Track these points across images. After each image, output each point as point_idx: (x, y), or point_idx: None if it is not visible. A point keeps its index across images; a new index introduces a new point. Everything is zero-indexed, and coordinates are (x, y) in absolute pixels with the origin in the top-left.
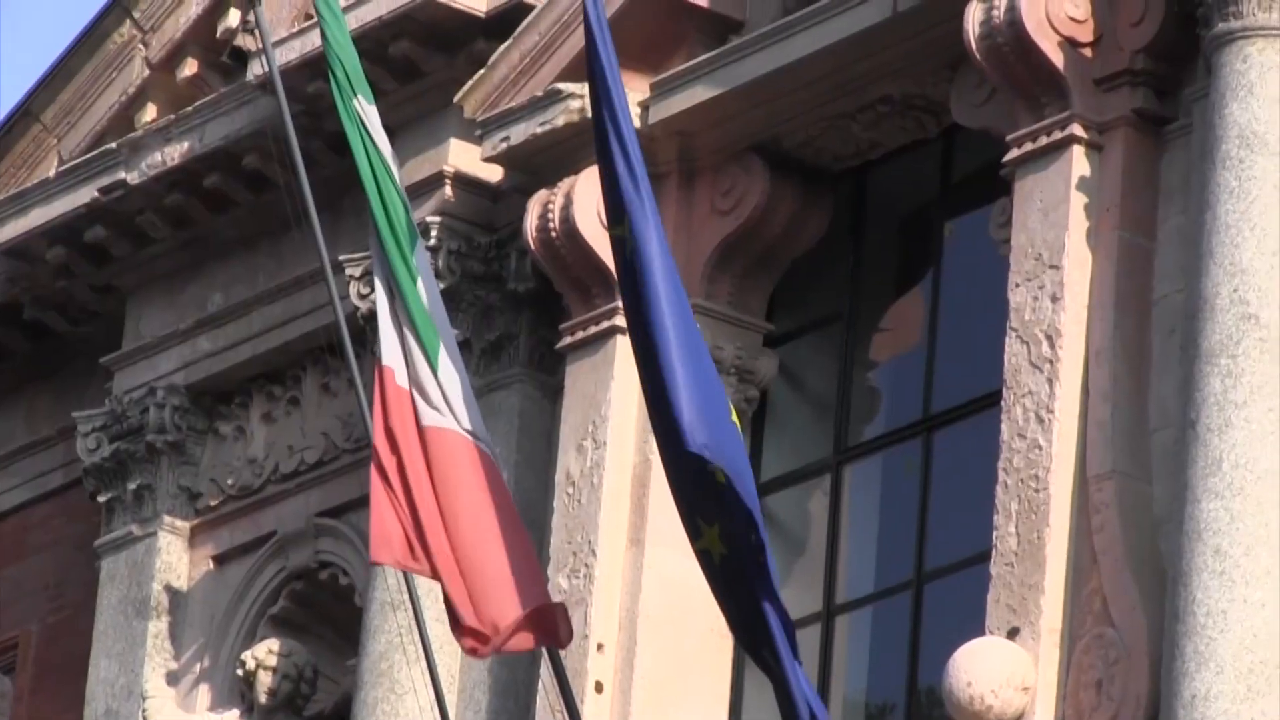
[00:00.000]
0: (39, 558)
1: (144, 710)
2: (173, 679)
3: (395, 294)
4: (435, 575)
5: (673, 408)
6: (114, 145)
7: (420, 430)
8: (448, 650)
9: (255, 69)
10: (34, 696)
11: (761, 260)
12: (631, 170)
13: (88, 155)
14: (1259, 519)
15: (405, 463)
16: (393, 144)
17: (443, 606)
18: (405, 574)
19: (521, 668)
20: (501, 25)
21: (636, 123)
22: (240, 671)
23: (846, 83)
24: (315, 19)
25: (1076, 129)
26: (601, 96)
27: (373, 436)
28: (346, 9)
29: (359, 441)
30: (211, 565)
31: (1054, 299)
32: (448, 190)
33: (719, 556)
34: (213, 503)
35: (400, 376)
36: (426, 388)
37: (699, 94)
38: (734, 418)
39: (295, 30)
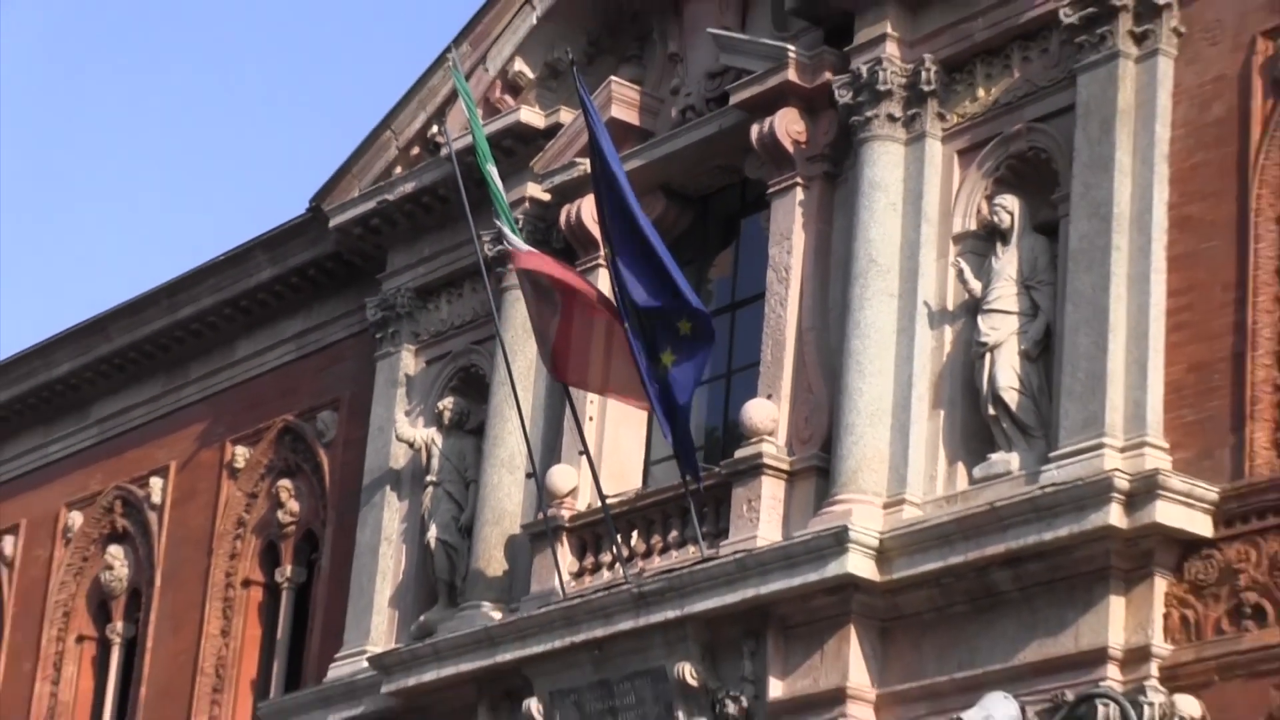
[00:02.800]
0: (347, 363)
1: (395, 427)
2: (407, 414)
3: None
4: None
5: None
6: (381, 184)
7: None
8: (525, 402)
9: (443, 151)
10: (347, 423)
11: (660, 231)
12: (624, 191)
13: (371, 188)
14: (875, 350)
15: (557, 278)
16: (503, 183)
17: (525, 379)
18: (507, 365)
19: (558, 408)
20: (550, 132)
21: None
22: (435, 411)
23: (700, 159)
24: (469, 130)
25: (798, 179)
26: (604, 162)
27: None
28: (485, 125)
29: (487, 315)
30: (424, 365)
31: (788, 253)
32: (527, 204)
33: (664, 370)
34: (424, 338)
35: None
36: None
37: (632, 164)
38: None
39: (461, 134)
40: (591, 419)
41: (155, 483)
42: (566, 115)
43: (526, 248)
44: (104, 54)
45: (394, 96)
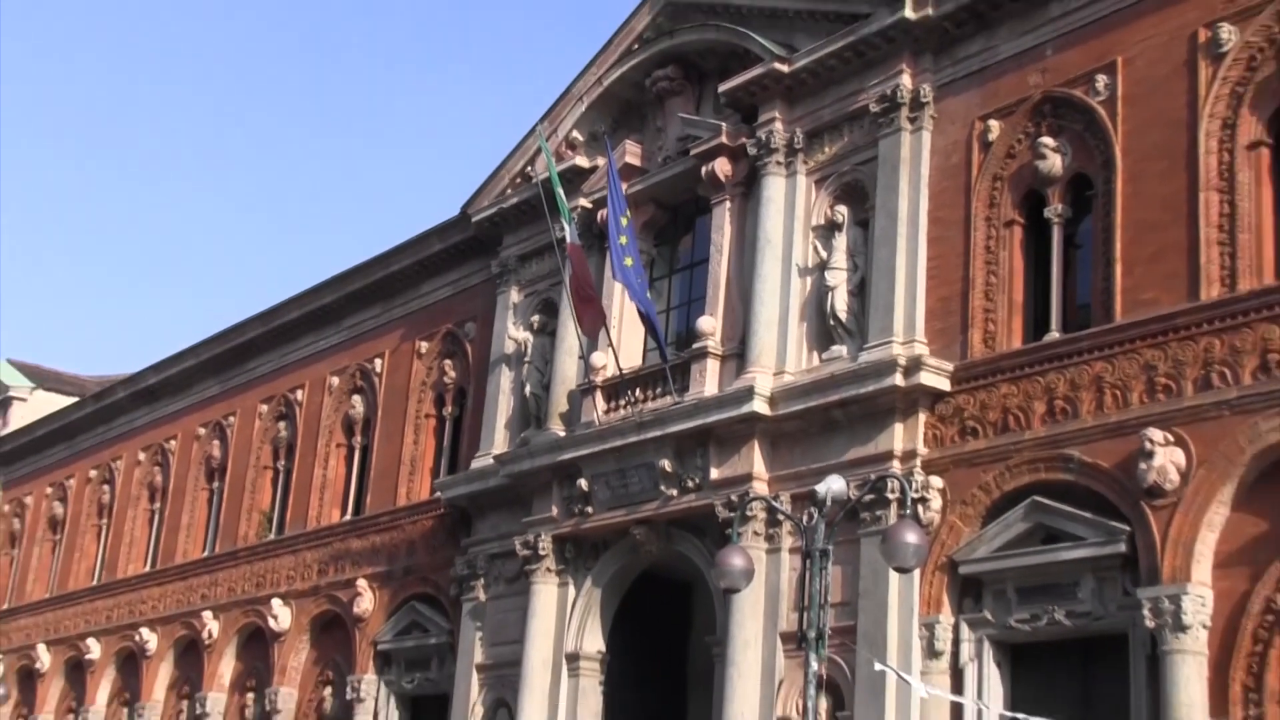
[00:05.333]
0: (482, 297)
1: (507, 330)
2: (514, 324)
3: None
4: (597, 322)
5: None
6: (500, 198)
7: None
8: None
9: (534, 180)
10: (481, 329)
11: (651, 225)
12: (618, 219)
13: (494, 200)
14: (769, 290)
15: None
16: (566, 198)
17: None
18: (569, 297)
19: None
20: (592, 170)
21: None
22: (529, 322)
23: (674, 185)
24: (547, 170)
25: (727, 197)
26: (611, 192)
27: (568, 279)
28: (556, 166)
29: (557, 270)
30: (524, 297)
31: (722, 236)
32: (579, 209)
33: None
34: (524, 282)
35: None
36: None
37: (636, 187)
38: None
39: (543, 172)
40: (614, 328)
41: (378, 361)
42: (601, 161)
43: (571, 240)
44: (336, 98)
45: (506, 149)
